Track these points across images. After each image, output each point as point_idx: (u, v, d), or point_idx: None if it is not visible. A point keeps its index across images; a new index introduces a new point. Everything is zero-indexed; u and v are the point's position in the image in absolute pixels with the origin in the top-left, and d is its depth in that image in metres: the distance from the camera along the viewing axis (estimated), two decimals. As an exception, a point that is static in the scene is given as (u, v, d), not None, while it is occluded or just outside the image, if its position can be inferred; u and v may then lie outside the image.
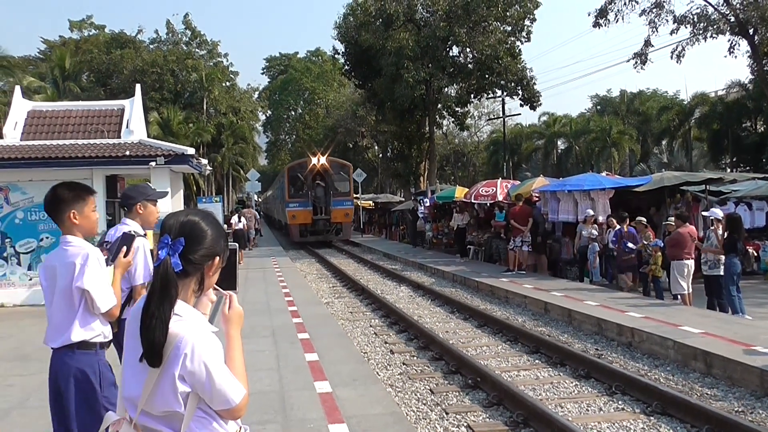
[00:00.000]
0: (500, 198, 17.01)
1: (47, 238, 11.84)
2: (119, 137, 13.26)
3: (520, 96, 29.76)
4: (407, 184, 35.17)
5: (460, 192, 20.62)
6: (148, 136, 15.90)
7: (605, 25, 25.42)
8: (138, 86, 15.11)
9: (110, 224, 11.00)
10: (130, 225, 3.87)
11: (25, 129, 13.49)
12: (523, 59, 29.37)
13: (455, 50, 29.85)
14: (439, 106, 32.30)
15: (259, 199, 61.85)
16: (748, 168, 39.63)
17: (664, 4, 24.47)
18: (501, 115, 38.98)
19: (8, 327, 9.61)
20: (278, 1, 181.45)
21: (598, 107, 60.05)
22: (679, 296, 10.11)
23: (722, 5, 23.51)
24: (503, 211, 16.02)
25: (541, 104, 30.32)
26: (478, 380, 6.45)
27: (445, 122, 40.42)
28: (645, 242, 11.10)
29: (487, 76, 28.99)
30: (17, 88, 14.68)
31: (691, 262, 10.03)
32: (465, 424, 5.43)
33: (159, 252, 1.73)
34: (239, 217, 22.96)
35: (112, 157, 11.88)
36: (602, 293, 11.07)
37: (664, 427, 5.22)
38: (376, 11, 28.56)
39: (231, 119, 53.68)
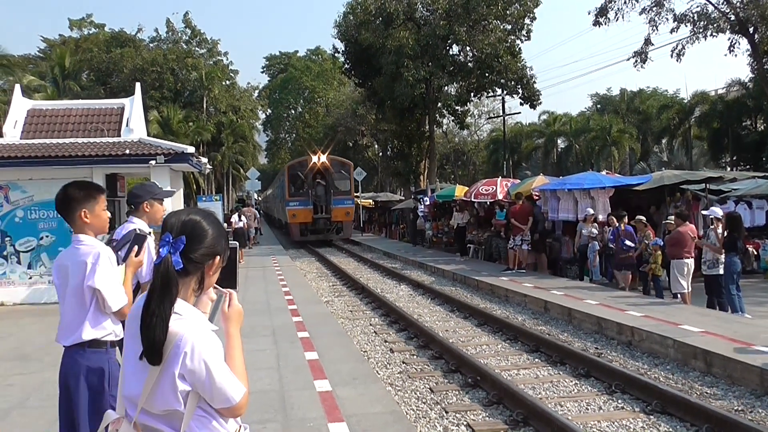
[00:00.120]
0: (500, 197, 17.02)
1: (47, 236, 11.84)
2: (119, 136, 13.25)
3: (520, 95, 29.74)
4: (407, 182, 35.16)
5: (460, 191, 20.64)
6: (148, 135, 15.88)
7: (605, 24, 25.42)
8: (138, 85, 15.09)
9: (109, 223, 10.99)
10: (136, 223, 3.88)
11: (25, 128, 13.48)
12: (523, 58, 29.37)
13: (455, 49, 29.85)
14: (439, 104, 32.28)
15: (259, 198, 61.86)
16: (748, 167, 39.66)
17: (664, 2, 24.48)
18: (501, 114, 39.00)
19: (8, 326, 9.61)
20: (278, 0, 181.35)
21: (598, 106, 60.09)
22: (679, 295, 10.12)
23: (722, 4, 23.50)
24: (504, 210, 16.02)
25: (541, 103, 30.33)
26: (477, 379, 6.45)
27: (445, 121, 40.40)
28: (646, 242, 11.10)
29: (487, 74, 28.97)
30: (17, 87, 14.65)
31: (691, 261, 10.03)
32: (465, 422, 5.43)
33: (160, 250, 1.73)
34: (239, 216, 22.97)
35: (112, 155, 11.88)
36: (602, 292, 11.07)
37: (663, 426, 5.22)
38: (376, 10, 28.53)
39: (231, 118, 53.66)
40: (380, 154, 51.32)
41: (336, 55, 37.18)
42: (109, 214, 3.30)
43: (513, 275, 13.76)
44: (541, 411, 5.24)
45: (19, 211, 11.85)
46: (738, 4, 22.98)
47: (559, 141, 56.77)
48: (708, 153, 48.13)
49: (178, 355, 1.67)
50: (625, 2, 24.78)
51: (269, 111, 70.72)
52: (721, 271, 9.63)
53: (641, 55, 25.58)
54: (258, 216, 29.88)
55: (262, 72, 76.37)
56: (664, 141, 51.88)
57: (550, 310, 10.33)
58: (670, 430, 5.16)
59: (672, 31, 24.61)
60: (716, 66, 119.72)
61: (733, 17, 23.19)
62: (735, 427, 4.82)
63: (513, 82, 29.17)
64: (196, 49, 54.85)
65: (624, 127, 50.81)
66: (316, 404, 5.30)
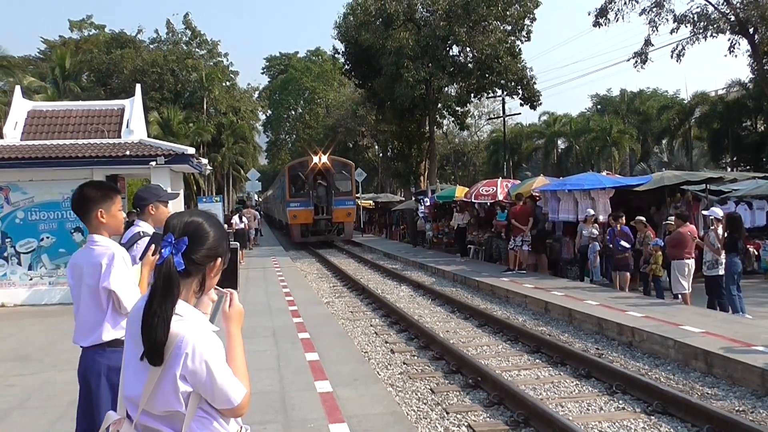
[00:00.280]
0: (500, 197, 17.02)
1: (47, 237, 11.84)
2: (119, 137, 13.26)
3: (520, 95, 29.70)
4: (407, 183, 35.12)
5: (460, 191, 20.63)
6: (149, 136, 15.88)
7: (605, 25, 25.44)
8: (138, 86, 15.09)
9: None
10: (141, 226, 3.89)
11: (25, 129, 13.48)
12: (523, 59, 29.32)
13: (455, 50, 29.81)
14: (439, 105, 32.26)
15: (260, 199, 61.93)
16: (748, 167, 39.67)
17: (664, 3, 24.48)
18: (501, 115, 39.00)
19: (9, 327, 9.61)
20: (278, 1, 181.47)
21: (599, 106, 60.10)
22: (679, 296, 10.11)
23: (722, 4, 23.51)
24: (505, 211, 16.03)
25: (541, 104, 30.27)
26: (478, 380, 6.45)
27: (445, 122, 40.36)
28: (648, 243, 11.08)
29: (487, 75, 28.94)
30: (17, 88, 14.66)
31: (691, 262, 10.03)
32: (465, 423, 5.43)
33: (162, 250, 1.73)
34: (240, 217, 22.98)
35: (112, 156, 11.88)
36: (603, 293, 11.07)
37: (664, 427, 5.22)
38: (376, 11, 28.52)
39: (231, 119, 53.68)
40: (380, 154, 51.27)
41: (336, 56, 37.15)
42: (124, 215, 3.31)
43: (513, 276, 13.76)
44: (542, 412, 5.24)
45: (19, 212, 11.85)
46: (738, 4, 22.98)
47: (559, 142, 56.78)
48: (708, 154, 48.14)
49: (179, 356, 1.67)
50: (625, 3, 24.82)
51: (269, 112, 70.76)
52: (721, 272, 9.63)
53: (641, 56, 25.60)
54: (258, 217, 29.85)
55: (263, 73, 76.50)
56: (664, 142, 51.90)
57: (551, 311, 10.32)
58: (671, 430, 5.16)
59: (672, 31, 24.64)
60: (716, 67, 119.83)
61: (733, 18, 23.20)
62: (736, 427, 4.82)
63: (513, 83, 29.14)
64: (197, 50, 54.88)
65: (624, 127, 50.80)
66: (317, 405, 5.30)
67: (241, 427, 1.84)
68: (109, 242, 3.15)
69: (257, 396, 5.34)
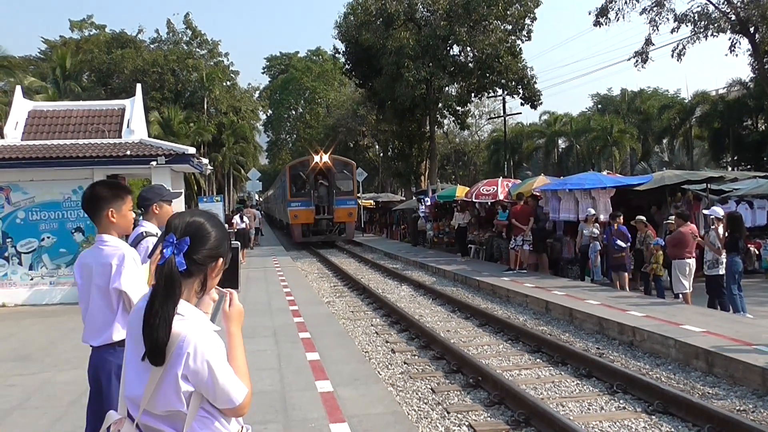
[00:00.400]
0: (501, 197, 17.02)
1: (48, 237, 11.85)
2: (120, 137, 13.26)
3: (520, 95, 29.73)
4: (408, 183, 35.16)
5: (460, 191, 20.62)
6: (149, 136, 15.89)
7: (606, 24, 25.45)
8: (138, 86, 15.09)
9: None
10: (145, 226, 3.89)
11: (26, 129, 13.49)
12: (523, 58, 29.36)
13: (456, 49, 29.82)
14: (440, 105, 32.29)
15: (260, 199, 61.96)
16: (749, 166, 39.67)
17: (665, 2, 24.50)
18: (502, 114, 39.01)
19: (9, 327, 9.62)
20: (278, 1, 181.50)
21: (599, 106, 60.13)
22: (680, 295, 10.11)
23: (723, 4, 23.51)
24: (506, 210, 16.02)
25: (541, 103, 30.32)
26: (479, 379, 6.45)
27: (445, 121, 40.43)
28: (649, 242, 11.08)
29: (487, 75, 28.96)
30: (18, 88, 14.67)
31: (692, 261, 10.02)
32: (466, 423, 5.43)
33: (164, 250, 1.73)
34: (241, 217, 22.98)
35: (113, 156, 11.88)
36: (603, 292, 11.06)
37: (665, 426, 5.22)
38: (377, 10, 28.53)
39: (232, 119, 53.70)
40: (381, 154, 51.31)
41: (336, 55, 37.21)
42: (134, 215, 3.31)
43: (514, 275, 13.76)
44: (542, 411, 5.23)
45: (20, 212, 11.86)
46: (738, 4, 22.98)
47: (560, 141, 56.81)
48: (709, 153, 48.14)
49: (180, 355, 1.67)
50: (625, 2, 24.85)
51: (270, 112, 70.81)
52: (722, 272, 9.63)
53: (642, 55, 25.60)
54: (259, 217, 29.85)
55: (263, 73, 76.59)
56: (664, 141, 51.93)
57: (552, 311, 10.32)
58: (672, 430, 5.15)
59: (672, 31, 24.67)
60: (717, 66, 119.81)
61: (733, 17, 23.20)
62: (737, 427, 4.82)
63: (514, 83, 29.16)
64: (197, 50, 54.90)
65: (625, 127, 50.81)
66: (318, 405, 5.30)
67: (242, 427, 1.84)
68: (118, 242, 3.15)
69: (258, 396, 5.34)
